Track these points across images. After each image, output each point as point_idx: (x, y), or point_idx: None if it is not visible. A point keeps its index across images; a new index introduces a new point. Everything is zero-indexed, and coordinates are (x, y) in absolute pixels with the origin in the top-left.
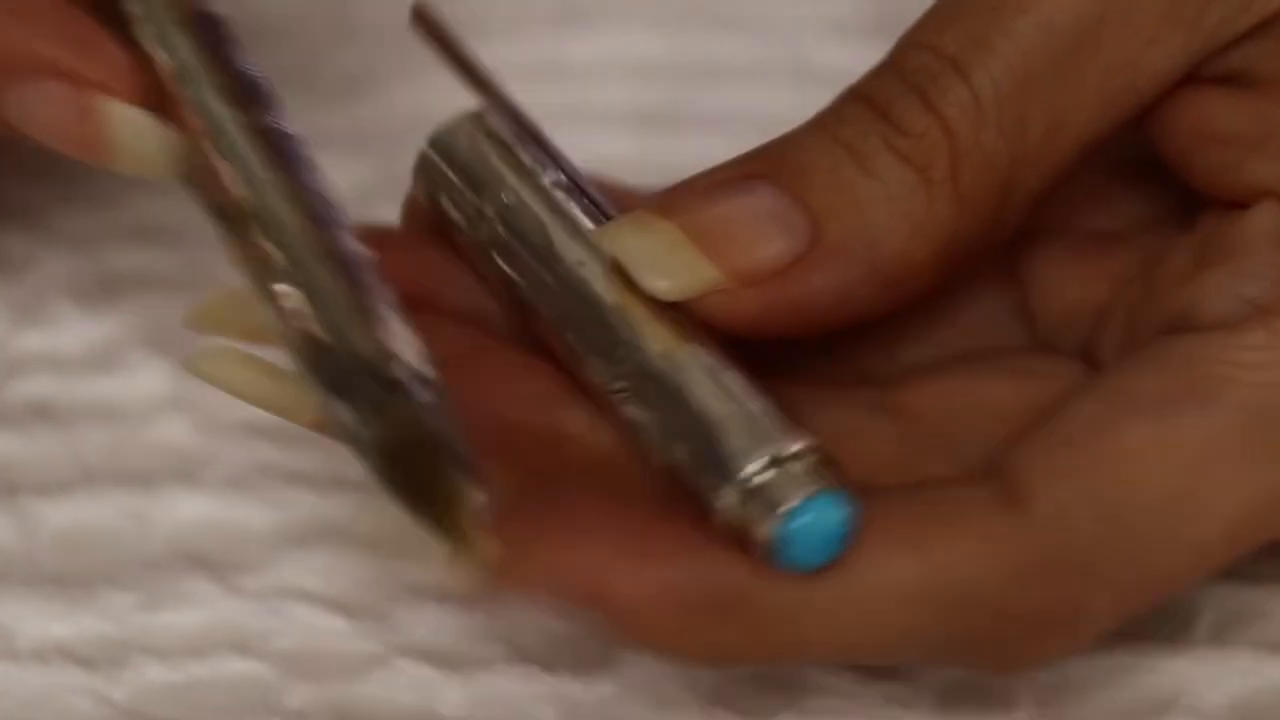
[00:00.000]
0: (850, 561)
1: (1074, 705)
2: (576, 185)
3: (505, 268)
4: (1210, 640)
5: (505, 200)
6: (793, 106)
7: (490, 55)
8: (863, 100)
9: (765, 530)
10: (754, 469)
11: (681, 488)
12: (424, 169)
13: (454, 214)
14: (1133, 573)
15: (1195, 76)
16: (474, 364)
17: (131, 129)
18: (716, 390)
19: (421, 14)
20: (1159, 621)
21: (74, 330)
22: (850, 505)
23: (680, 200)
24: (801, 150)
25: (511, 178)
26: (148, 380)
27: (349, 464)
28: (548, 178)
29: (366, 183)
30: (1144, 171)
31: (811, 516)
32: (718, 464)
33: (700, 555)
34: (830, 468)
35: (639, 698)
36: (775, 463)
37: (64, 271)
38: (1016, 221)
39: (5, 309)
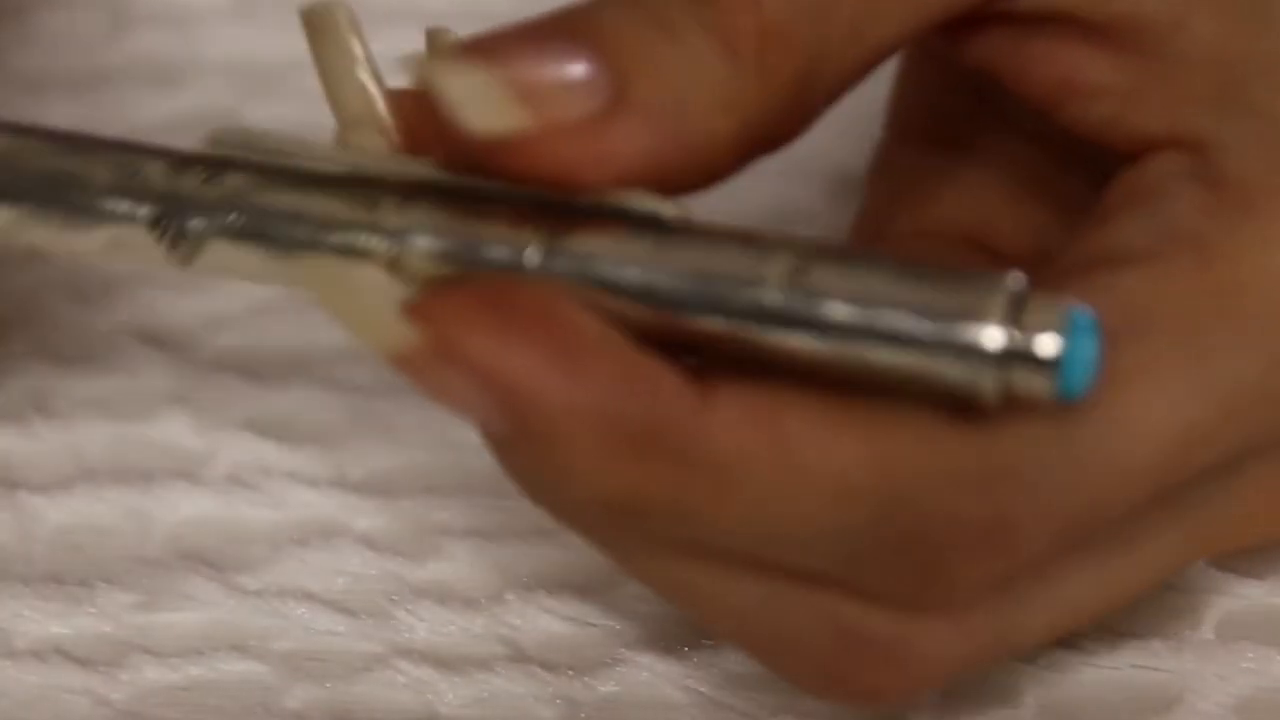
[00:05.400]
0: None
1: (1077, 704)
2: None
3: None
4: (1216, 639)
5: None
6: None
7: None
8: None
9: (1046, 374)
10: (995, 322)
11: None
12: None
13: None
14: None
15: (1019, 16)
16: None
17: None
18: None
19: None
20: (1164, 619)
21: (74, 327)
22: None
23: (492, 46)
24: (608, 12)
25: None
26: (148, 377)
27: (351, 463)
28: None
29: None
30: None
31: (1077, 339)
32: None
33: (643, 384)
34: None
35: (639, 698)
36: (1011, 306)
37: (64, 268)
38: (813, 118)
39: (6, 304)
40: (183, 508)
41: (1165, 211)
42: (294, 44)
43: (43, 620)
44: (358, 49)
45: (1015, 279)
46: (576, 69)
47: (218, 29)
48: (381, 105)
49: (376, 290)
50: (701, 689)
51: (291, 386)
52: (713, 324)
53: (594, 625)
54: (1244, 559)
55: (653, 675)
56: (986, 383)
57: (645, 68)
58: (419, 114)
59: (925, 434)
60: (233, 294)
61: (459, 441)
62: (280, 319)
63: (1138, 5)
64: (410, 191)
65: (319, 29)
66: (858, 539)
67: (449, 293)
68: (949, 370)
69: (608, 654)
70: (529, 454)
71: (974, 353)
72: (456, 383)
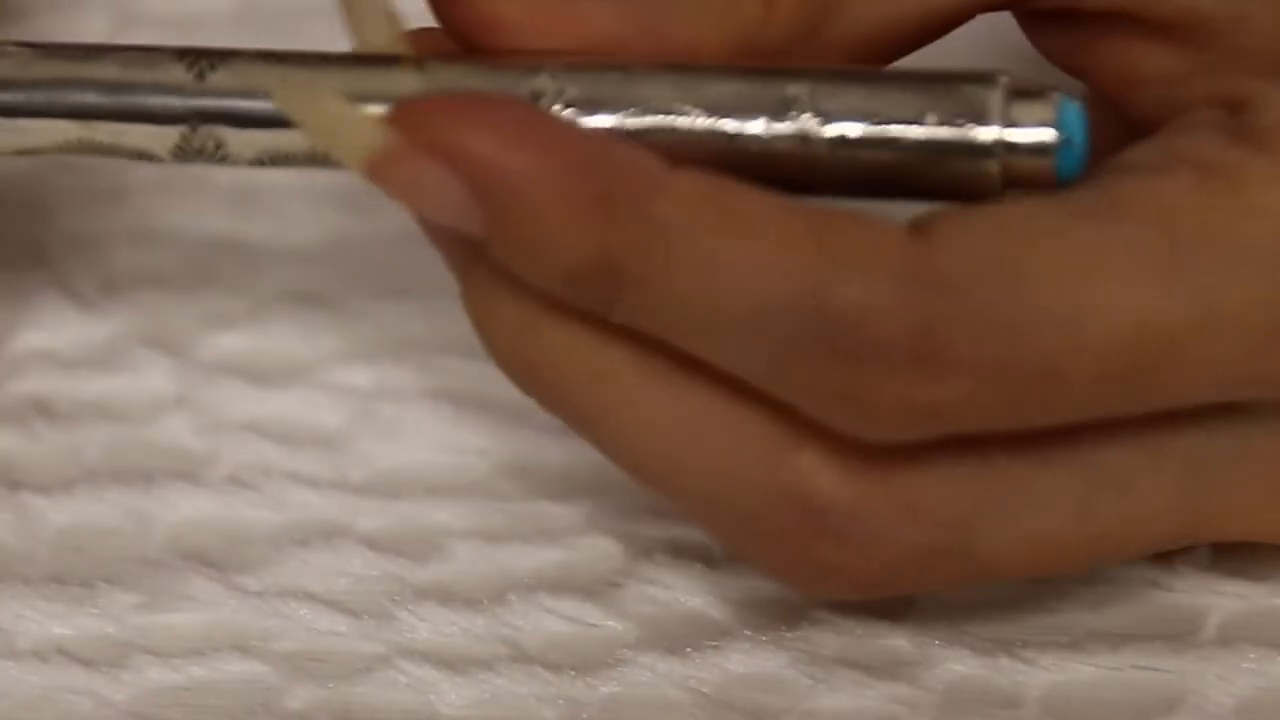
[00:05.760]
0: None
1: (1079, 704)
2: None
3: None
4: (1217, 640)
5: None
6: None
7: None
8: None
9: (1049, 153)
10: (992, 119)
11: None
12: None
13: None
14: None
15: (1085, 14)
16: None
17: None
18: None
19: None
20: (1166, 620)
21: (76, 328)
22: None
23: None
24: None
25: None
26: (150, 379)
27: (352, 464)
28: None
29: None
30: None
31: (1072, 123)
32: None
33: (606, 153)
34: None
35: (641, 698)
36: (1005, 101)
37: (67, 269)
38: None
39: (7, 306)
40: (184, 508)
41: (1180, 139)
42: (293, 49)
43: (45, 621)
44: None
45: (1005, 76)
46: None
47: (218, 33)
48: (402, 39)
49: (356, 108)
50: (703, 689)
51: (292, 387)
52: (743, 149)
53: (596, 626)
54: (1245, 560)
55: (654, 675)
56: (989, 174)
57: None
58: (437, 50)
59: (869, 232)
60: (233, 294)
61: (459, 443)
62: (281, 319)
63: (1197, 1)
64: (423, 62)
65: None
66: (788, 335)
67: (422, 98)
68: (952, 167)
69: (609, 654)
70: (499, 235)
71: (975, 147)
72: (429, 176)
